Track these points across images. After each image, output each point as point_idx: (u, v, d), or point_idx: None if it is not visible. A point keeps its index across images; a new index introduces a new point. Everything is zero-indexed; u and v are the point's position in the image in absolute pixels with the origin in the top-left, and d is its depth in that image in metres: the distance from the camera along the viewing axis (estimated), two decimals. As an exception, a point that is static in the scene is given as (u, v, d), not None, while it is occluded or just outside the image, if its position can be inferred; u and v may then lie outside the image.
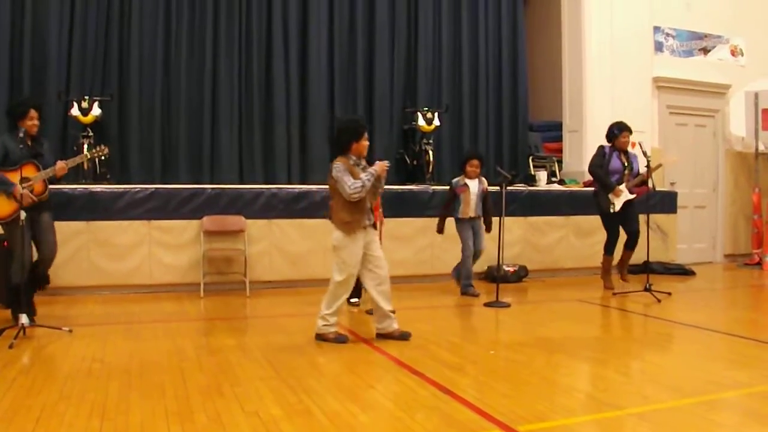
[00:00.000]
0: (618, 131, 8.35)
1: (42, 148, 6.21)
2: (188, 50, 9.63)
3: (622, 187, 8.22)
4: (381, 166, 5.59)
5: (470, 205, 8.04)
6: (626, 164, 8.32)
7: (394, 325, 5.75)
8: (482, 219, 8.18)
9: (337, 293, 5.64)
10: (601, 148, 8.50)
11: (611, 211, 8.27)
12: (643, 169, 8.16)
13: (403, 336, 5.71)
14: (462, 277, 8.22)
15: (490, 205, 8.20)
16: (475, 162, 8.11)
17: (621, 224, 8.41)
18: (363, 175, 5.47)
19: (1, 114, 6.98)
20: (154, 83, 9.48)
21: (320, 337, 5.67)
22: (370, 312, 6.79)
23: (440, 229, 8.15)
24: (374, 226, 5.75)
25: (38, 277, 6.38)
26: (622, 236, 8.50)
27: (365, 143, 5.63)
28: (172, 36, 9.59)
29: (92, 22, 9.18)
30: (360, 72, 10.61)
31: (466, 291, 8.18)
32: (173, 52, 9.59)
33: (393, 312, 5.76)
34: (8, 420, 3.68)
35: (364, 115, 10.58)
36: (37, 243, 6.20)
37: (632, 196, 8.26)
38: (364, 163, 5.69)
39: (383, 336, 5.75)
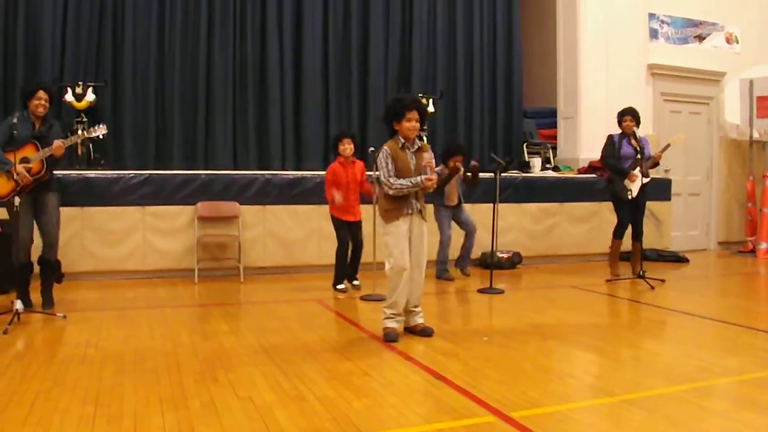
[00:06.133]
0: (620, 117, 8.39)
1: (49, 130, 6.07)
2: (182, 36, 9.58)
3: (636, 171, 8.18)
4: (426, 181, 5.16)
5: (454, 193, 8.25)
6: (638, 149, 8.26)
7: (418, 320, 5.44)
8: (462, 203, 8.39)
9: (391, 284, 5.22)
10: (610, 137, 8.48)
11: (629, 197, 8.21)
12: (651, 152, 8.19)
13: (425, 332, 5.38)
14: (437, 261, 8.32)
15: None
16: (460, 158, 8.17)
17: (631, 211, 8.39)
18: (404, 181, 5.13)
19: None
20: (148, 69, 9.43)
21: (383, 331, 5.31)
22: (363, 298, 6.82)
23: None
24: (420, 213, 5.32)
25: (45, 266, 6.26)
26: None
27: (407, 124, 5.15)
28: (166, 21, 9.52)
29: (86, 7, 9.13)
30: (354, 58, 10.56)
31: (441, 275, 8.35)
32: (167, 37, 9.53)
33: (417, 306, 5.42)
34: (2, 406, 3.67)
35: (359, 101, 10.57)
36: (38, 225, 6.13)
37: (647, 180, 8.22)
38: (419, 144, 5.32)
39: (405, 330, 5.43)
